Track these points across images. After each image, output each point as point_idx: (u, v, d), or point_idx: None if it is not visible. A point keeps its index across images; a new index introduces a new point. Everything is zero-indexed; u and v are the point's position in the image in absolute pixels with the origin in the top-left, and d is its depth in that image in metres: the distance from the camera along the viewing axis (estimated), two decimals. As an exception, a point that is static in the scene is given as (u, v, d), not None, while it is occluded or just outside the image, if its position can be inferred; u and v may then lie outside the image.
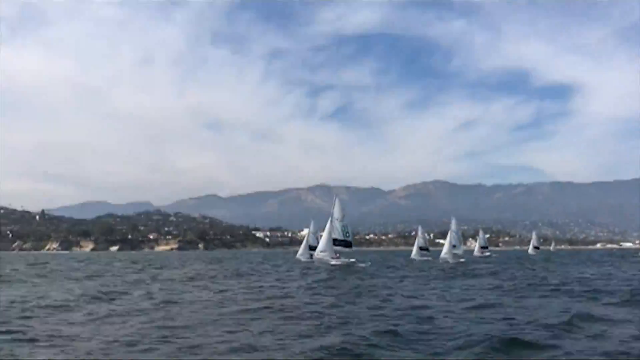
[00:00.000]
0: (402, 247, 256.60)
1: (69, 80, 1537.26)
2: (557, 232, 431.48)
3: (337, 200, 57.99)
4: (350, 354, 11.43)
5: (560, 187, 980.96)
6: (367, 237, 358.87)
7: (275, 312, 18.34)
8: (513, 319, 16.29)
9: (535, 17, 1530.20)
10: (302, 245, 77.99)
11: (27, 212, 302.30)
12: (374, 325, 14.92)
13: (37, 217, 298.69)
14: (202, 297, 24.23)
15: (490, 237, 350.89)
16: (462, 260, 74.04)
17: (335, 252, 54.62)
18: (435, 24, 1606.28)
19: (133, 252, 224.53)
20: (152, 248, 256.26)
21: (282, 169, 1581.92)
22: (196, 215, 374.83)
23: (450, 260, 72.33)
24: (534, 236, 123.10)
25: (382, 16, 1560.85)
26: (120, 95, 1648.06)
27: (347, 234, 56.14)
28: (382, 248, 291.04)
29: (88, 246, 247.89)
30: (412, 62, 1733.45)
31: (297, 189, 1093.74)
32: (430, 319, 16.40)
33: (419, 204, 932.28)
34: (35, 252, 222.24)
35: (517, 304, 20.56)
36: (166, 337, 13.52)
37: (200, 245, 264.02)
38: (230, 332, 14.28)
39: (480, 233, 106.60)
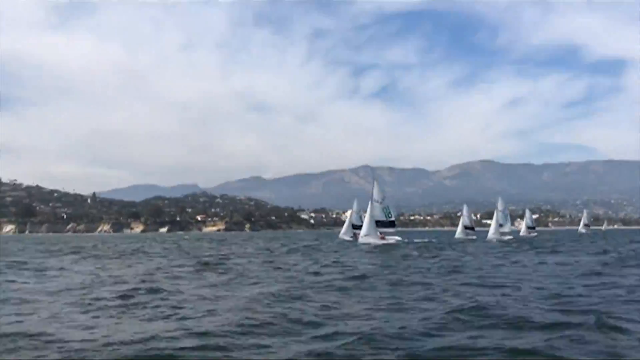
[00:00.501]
0: (447, 228, 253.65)
1: (117, 66, 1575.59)
2: (610, 212, 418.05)
3: (376, 182, 58.40)
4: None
5: (614, 166, 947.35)
6: (412, 218, 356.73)
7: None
8: None
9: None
10: (345, 225, 77.90)
11: (80, 195, 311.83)
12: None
13: (89, 200, 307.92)
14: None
15: (540, 217, 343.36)
16: (509, 238, 73.13)
17: (380, 232, 54.65)
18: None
19: (181, 232, 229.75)
20: (200, 229, 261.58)
21: (326, 150, 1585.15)
22: (241, 197, 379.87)
23: (495, 240, 71.34)
24: (584, 214, 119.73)
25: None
26: (166, 79, 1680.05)
27: (389, 214, 56.36)
28: (427, 229, 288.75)
29: (138, 227, 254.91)
30: (458, 39, 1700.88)
31: (341, 170, 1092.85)
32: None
33: (465, 184, 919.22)
34: (89, 233, 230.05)
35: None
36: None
37: (247, 227, 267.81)
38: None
39: (527, 213, 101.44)
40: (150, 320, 12.17)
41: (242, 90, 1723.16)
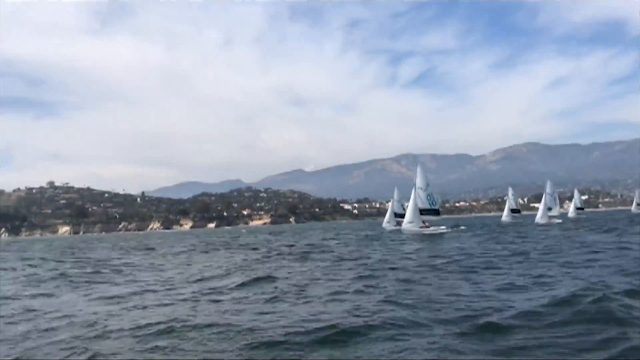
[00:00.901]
0: (493, 213, 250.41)
1: (158, 67, 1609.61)
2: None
3: (419, 170, 56.79)
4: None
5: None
6: (457, 204, 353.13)
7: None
8: None
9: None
10: (388, 214, 78.47)
11: (129, 194, 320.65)
12: None
13: (138, 199, 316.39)
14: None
15: (589, 198, 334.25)
16: (558, 221, 72.39)
17: (424, 221, 53.71)
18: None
19: (229, 227, 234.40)
20: (247, 223, 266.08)
21: (366, 140, 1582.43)
22: (285, 190, 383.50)
23: (544, 222, 71.06)
24: (637, 194, 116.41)
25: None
26: (207, 78, 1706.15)
27: (433, 202, 55.13)
28: (473, 215, 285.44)
29: (187, 224, 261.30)
30: (496, 21, 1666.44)
31: (382, 160, 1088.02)
32: None
33: (511, 168, 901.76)
34: (140, 231, 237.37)
35: None
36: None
37: (291, 219, 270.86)
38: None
39: (576, 193, 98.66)
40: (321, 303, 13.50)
41: (281, 84, 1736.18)
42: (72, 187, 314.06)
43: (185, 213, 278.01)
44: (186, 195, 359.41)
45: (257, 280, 18.74)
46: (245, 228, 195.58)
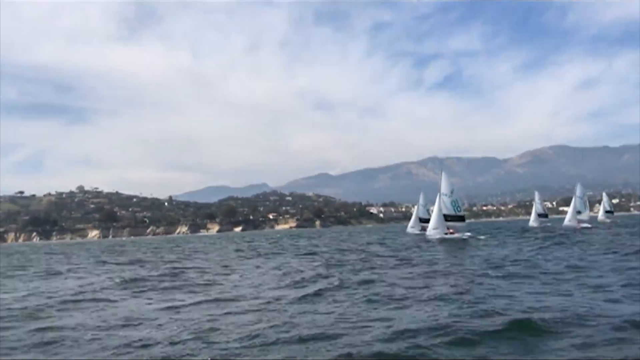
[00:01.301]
0: (521, 217, 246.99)
1: (185, 72, 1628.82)
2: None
3: (444, 175, 55.55)
4: None
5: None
6: (485, 208, 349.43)
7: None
8: None
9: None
10: (412, 219, 78.15)
11: (157, 199, 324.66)
12: None
13: (166, 203, 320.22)
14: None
15: (620, 201, 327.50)
16: (588, 225, 71.35)
17: (448, 227, 52.77)
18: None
19: (256, 231, 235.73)
20: (272, 227, 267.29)
21: (391, 143, 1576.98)
22: (310, 194, 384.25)
23: (574, 225, 70.32)
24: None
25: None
26: (233, 83, 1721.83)
27: (458, 209, 53.92)
28: (501, 219, 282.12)
29: (214, 228, 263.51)
30: (524, 22, 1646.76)
31: (408, 163, 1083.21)
32: None
33: (539, 170, 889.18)
34: (168, 235, 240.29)
35: None
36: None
37: (317, 223, 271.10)
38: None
39: (604, 197, 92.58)
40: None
41: (306, 88, 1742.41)
42: (101, 192, 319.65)
43: (212, 217, 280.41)
44: (213, 199, 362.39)
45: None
46: (271, 232, 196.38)
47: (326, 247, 52.01)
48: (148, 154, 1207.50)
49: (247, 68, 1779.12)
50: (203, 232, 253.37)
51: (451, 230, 52.20)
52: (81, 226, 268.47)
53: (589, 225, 71.77)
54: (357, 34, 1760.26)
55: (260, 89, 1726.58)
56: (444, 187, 53.78)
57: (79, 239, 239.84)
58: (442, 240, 49.18)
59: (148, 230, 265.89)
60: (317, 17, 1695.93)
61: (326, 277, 22.58)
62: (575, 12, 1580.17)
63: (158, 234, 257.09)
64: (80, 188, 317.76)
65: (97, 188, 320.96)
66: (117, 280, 24.81)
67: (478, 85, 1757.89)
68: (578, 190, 77.46)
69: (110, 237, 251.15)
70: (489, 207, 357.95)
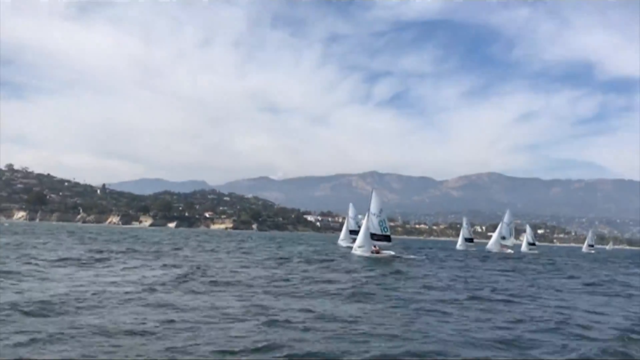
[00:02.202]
0: (452, 238, 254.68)
1: (134, 59, 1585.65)
2: (616, 232, 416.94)
3: (374, 194, 54.78)
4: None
5: (623, 185, 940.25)
6: (418, 226, 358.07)
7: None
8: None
9: (604, 6, 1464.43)
10: (343, 231, 77.00)
11: (90, 185, 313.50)
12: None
13: (99, 191, 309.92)
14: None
15: (545, 232, 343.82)
16: (509, 251, 74.93)
17: (375, 245, 52.36)
18: (498, 12, 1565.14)
19: (190, 229, 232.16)
20: (208, 226, 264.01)
21: (335, 154, 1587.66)
22: (249, 196, 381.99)
23: (494, 250, 73.83)
24: (589, 234, 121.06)
25: (444, 3, 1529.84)
26: (182, 75, 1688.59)
27: (385, 229, 53.55)
28: (432, 238, 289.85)
29: (147, 221, 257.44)
30: (473, 51, 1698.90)
31: (349, 175, 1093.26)
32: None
33: (473, 195, 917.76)
34: (97, 224, 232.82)
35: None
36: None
37: (254, 226, 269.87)
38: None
39: (528, 229, 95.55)
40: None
41: (255, 89, 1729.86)
42: (32, 173, 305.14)
43: (145, 210, 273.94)
44: (148, 191, 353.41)
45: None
46: (206, 232, 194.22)
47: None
48: (85, 139, 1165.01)
49: (197, 62, 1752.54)
50: (135, 225, 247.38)
51: (377, 249, 52.03)
52: (7, 205, 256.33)
53: (512, 251, 75.44)
54: (312, 42, 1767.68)
55: (209, 85, 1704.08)
56: (374, 207, 53.35)
57: (3, 219, 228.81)
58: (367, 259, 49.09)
59: (78, 217, 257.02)
60: (275, 20, 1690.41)
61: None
62: (522, 47, 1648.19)
63: (88, 221, 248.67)
64: (9, 166, 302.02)
65: (27, 168, 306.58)
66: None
67: (423, 106, 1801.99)
68: (506, 217, 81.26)
69: (38, 220, 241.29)
70: (422, 225, 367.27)
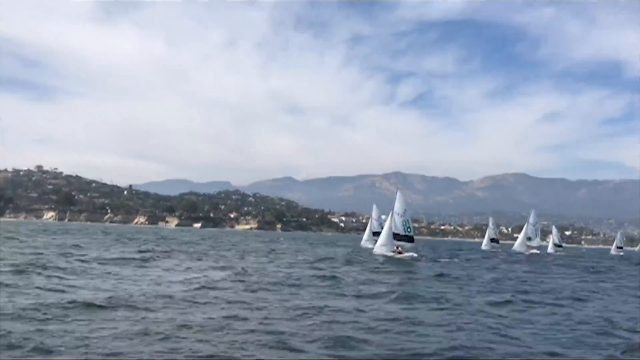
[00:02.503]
0: (477, 239, 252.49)
1: (158, 61, 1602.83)
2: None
3: (398, 194, 54.82)
4: None
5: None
6: (442, 227, 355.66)
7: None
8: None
9: (632, 5, 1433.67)
10: (366, 232, 76.31)
11: (117, 186, 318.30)
12: None
13: (125, 191, 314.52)
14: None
15: (572, 234, 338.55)
16: (537, 252, 74.51)
17: (397, 246, 52.22)
18: (523, 11, 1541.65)
19: (215, 229, 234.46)
20: (233, 227, 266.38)
21: (358, 154, 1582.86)
22: (273, 196, 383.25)
23: (522, 251, 73.43)
24: (618, 236, 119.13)
25: (467, 2, 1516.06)
26: (205, 77, 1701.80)
27: (409, 229, 53.45)
28: (457, 239, 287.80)
29: (173, 222, 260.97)
30: (497, 50, 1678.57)
31: (372, 175, 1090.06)
32: None
33: (498, 196, 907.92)
34: (124, 224, 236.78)
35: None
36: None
37: (278, 226, 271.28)
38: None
39: (554, 230, 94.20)
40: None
41: (279, 90, 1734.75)
42: (61, 173, 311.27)
43: (171, 210, 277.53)
44: (173, 192, 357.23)
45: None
46: (233, 232, 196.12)
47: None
48: (112, 140, 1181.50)
49: (221, 64, 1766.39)
50: (161, 225, 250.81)
51: (399, 249, 51.77)
52: (37, 206, 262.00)
53: (538, 252, 74.98)
54: (335, 43, 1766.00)
55: (233, 86, 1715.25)
56: (398, 207, 53.32)
57: (34, 220, 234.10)
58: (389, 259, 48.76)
59: (105, 217, 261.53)
60: (298, 22, 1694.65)
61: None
62: (548, 46, 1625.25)
63: (115, 221, 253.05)
64: (39, 167, 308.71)
65: (56, 169, 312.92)
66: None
67: (447, 106, 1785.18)
68: (531, 218, 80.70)
69: (67, 220, 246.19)
70: (447, 226, 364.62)
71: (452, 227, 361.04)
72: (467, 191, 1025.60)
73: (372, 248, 59.77)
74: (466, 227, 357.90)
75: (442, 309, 18.40)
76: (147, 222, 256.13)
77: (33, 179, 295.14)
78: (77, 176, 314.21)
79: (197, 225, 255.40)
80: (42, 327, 12.51)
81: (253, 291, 20.76)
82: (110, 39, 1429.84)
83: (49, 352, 10.53)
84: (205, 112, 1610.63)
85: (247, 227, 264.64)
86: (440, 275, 32.22)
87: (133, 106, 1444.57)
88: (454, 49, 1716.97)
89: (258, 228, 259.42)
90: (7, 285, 18.65)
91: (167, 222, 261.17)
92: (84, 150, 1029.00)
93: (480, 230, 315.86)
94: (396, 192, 55.69)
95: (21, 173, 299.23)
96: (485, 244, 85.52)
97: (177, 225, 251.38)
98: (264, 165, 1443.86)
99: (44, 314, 14.01)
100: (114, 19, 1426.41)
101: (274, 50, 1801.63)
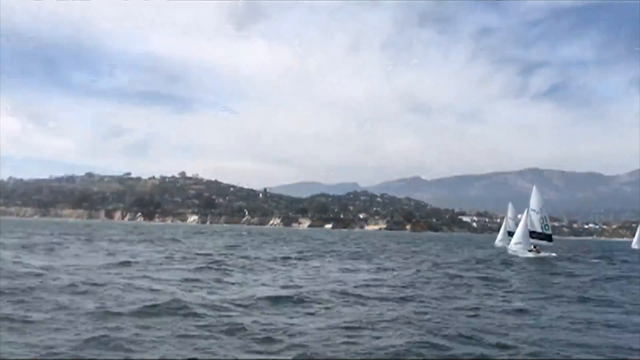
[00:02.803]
0: (627, 239, 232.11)
1: (288, 69, 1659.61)
2: None
3: (535, 190, 52.75)
4: None
5: None
6: (586, 227, 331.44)
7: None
8: None
9: None
10: (501, 232, 75.07)
11: (253, 190, 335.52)
12: None
13: (261, 194, 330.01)
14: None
15: None
16: None
17: (534, 245, 49.61)
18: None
19: (346, 230, 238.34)
20: (362, 227, 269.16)
21: (489, 151, 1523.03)
22: (401, 197, 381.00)
23: None
24: None
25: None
26: (332, 81, 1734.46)
27: (546, 227, 50.80)
28: (602, 239, 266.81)
29: (306, 223, 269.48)
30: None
31: (505, 173, 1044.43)
32: None
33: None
34: (261, 226, 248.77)
35: None
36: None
37: (407, 227, 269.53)
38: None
39: None
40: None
41: (404, 90, 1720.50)
42: (201, 179, 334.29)
43: (303, 212, 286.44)
44: (304, 194, 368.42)
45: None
46: (364, 233, 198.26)
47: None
48: (246, 146, 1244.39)
49: (346, 68, 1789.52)
50: (295, 226, 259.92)
51: (537, 249, 49.16)
52: (181, 210, 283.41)
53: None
54: (461, 37, 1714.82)
55: (358, 89, 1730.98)
56: (534, 203, 51.34)
57: (179, 222, 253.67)
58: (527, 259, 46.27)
59: (243, 220, 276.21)
60: (422, 19, 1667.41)
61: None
62: None
63: (252, 223, 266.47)
64: (182, 174, 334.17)
65: (197, 175, 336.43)
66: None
67: (587, 96, 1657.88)
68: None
69: (208, 222, 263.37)
70: (591, 225, 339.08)
71: (596, 226, 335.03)
72: (613, 186, 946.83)
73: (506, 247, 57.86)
74: (613, 226, 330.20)
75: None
76: (281, 224, 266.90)
77: (177, 185, 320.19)
78: (216, 181, 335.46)
79: (328, 226, 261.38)
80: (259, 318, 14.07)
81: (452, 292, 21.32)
82: (242, 51, 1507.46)
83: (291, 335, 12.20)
84: (332, 115, 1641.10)
85: (377, 227, 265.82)
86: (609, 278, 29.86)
87: (265, 113, 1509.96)
88: (593, 34, 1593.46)
89: (387, 228, 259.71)
90: (207, 282, 21.04)
91: (299, 223, 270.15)
92: (221, 156, 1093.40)
93: (630, 228, 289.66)
94: (532, 188, 53.75)
95: (167, 180, 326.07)
96: (635, 242, 78.40)
97: (309, 226, 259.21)
98: (391, 166, 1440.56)
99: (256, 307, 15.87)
100: (244, 32, 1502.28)
101: (398, 50, 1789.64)
